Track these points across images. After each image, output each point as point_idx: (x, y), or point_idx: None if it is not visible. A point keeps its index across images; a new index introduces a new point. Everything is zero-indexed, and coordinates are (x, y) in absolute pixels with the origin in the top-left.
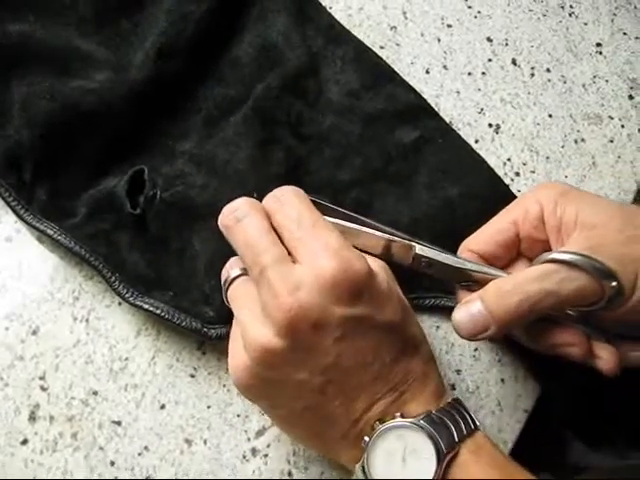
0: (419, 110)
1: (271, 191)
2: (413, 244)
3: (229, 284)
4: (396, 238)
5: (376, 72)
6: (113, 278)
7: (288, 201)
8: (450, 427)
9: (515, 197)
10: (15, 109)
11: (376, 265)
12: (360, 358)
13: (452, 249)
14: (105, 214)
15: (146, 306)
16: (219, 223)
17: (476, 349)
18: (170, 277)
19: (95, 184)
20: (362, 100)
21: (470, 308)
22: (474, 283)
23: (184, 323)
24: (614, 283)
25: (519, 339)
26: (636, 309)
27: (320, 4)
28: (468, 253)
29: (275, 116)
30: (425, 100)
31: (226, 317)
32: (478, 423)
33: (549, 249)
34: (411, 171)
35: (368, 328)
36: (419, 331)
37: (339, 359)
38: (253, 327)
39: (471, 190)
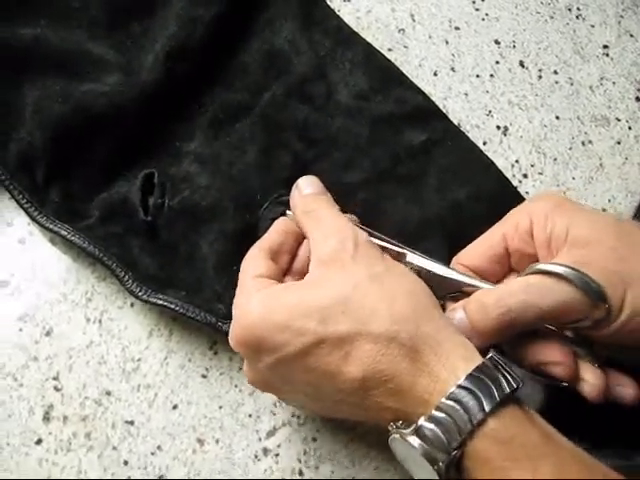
0: (428, 112)
1: (275, 194)
2: (405, 252)
3: None
4: (387, 245)
5: (385, 75)
6: (127, 277)
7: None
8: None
9: (523, 199)
10: (27, 112)
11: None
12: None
13: (460, 248)
14: (118, 218)
15: (160, 302)
16: None
17: None
18: (181, 279)
19: (107, 187)
20: (371, 102)
21: (452, 316)
22: (464, 294)
23: (198, 317)
24: (603, 303)
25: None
26: (621, 331)
27: (328, 7)
28: (460, 267)
29: (282, 123)
30: (433, 102)
31: None
32: (508, 389)
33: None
34: (420, 173)
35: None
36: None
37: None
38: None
39: (479, 192)
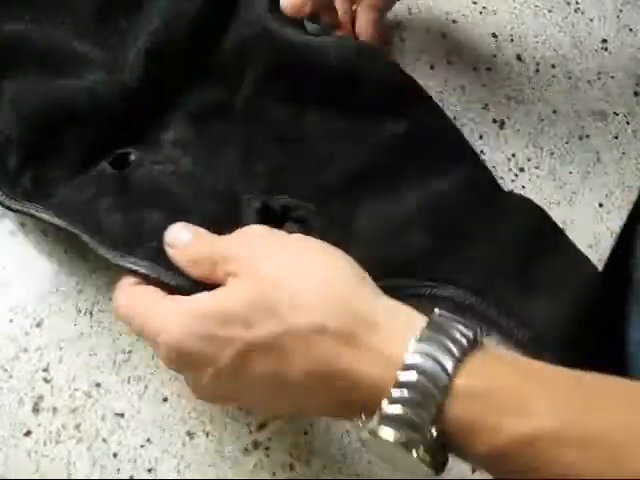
0: (406, 95)
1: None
2: None
3: None
4: None
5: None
6: (92, 242)
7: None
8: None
9: (502, 190)
10: (5, 105)
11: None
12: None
13: (452, 244)
14: (86, 186)
15: (128, 265)
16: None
17: None
18: (153, 231)
19: (81, 174)
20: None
21: None
22: None
23: (172, 282)
24: None
25: None
26: None
27: None
28: None
29: (258, 122)
30: (419, 85)
31: None
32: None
33: None
34: (398, 167)
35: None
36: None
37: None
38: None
39: (460, 183)
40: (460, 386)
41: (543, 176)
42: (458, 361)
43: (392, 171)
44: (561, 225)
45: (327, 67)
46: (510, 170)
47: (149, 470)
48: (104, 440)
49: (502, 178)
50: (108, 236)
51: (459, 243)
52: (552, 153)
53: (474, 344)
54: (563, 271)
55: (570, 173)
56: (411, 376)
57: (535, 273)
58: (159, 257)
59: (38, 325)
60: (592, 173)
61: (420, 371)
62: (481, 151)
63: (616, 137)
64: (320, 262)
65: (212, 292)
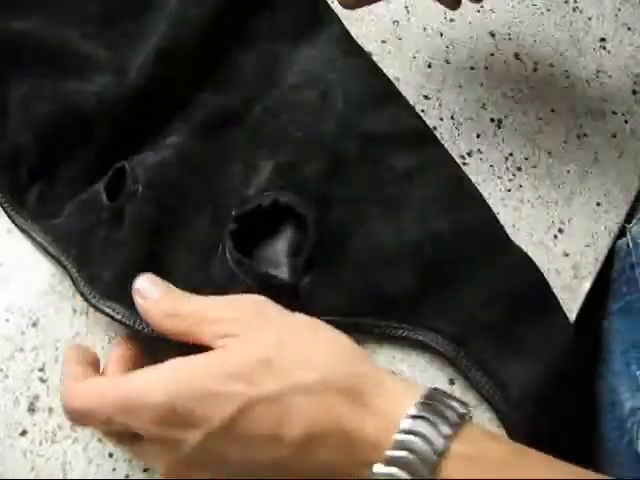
0: (420, 136)
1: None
2: None
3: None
4: None
5: (382, 90)
6: (79, 278)
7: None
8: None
9: (509, 239)
10: (13, 110)
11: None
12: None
13: (435, 282)
14: (84, 213)
15: (107, 310)
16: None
17: None
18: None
19: (90, 188)
20: (364, 116)
21: None
22: None
23: (146, 330)
24: None
25: None
26: None
27: (333, 12)
28: None
29: (270, 135)
30: (427, 126)
31: None
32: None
33: None
34: (402, 197)
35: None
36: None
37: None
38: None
39: (462, 225)
40: (454, 449)
41: (541, 175)
42: (455, 427)
43: (397, 198)
44: (558, 225)
45: None
46: (507, 169)
47: (145, 470)
48: (100, 440)
49: (499, 177)
50: (94, 277)
51: (447, 288)
52: (550, 152)
53: (464, 417)
54: (546, 337)
55: (568, 172)
56: (411, 439)
57: (518, 333)
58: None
59: (34, 325)
60: (590, 173)
61: (419, 435)
62: (478, 150)
63: (614, 136)
64: (322, 328)
65: (206, 353)
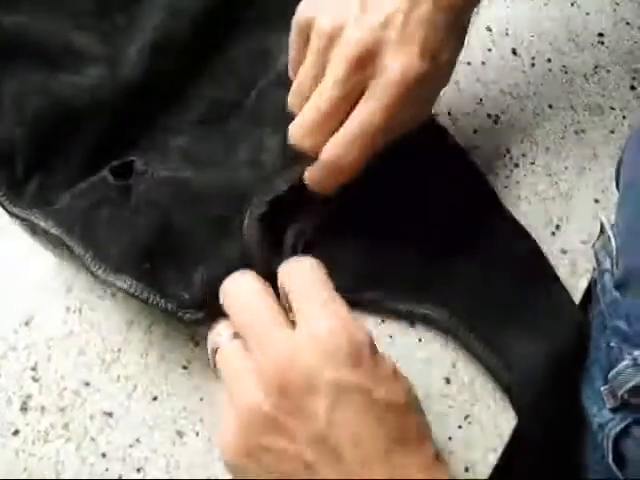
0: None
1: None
2: None
3: (217, 349)
4: None
5: None
6: (87, 256)
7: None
8: None
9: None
10: (6, 105)
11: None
12: (353, 436)
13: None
14: (85, 194)
15: (118, 283)
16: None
17: None
18: (148, 250)
19: (87, 179)
20: None
21: None
22: None
23: (160, 304)
24: None
25: None
26: None
27: None
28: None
29: (268, 115)
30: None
31: (200, 303)
32: None
33: None
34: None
35: (364, 403)
36: (424, 423)
37: (330, 431)
38: (243, 390)
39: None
40: None
41: (538, 171)
42: None
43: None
44: (556, 222)
45: None
46: (505, 166)
47: (138, 470)
48: (93, 439)
49: (497, 174)
50: (102, 252)
51: (452, 263)
52: (547, 148)
53: None
54: (553, 314)
55: (566, 168)
56: None
57: (525, 310)
58: (154, 278)
59: (27, 323)
60: (588, 168)
61: None
62: (475, 146)
63: (612, 132)
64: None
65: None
